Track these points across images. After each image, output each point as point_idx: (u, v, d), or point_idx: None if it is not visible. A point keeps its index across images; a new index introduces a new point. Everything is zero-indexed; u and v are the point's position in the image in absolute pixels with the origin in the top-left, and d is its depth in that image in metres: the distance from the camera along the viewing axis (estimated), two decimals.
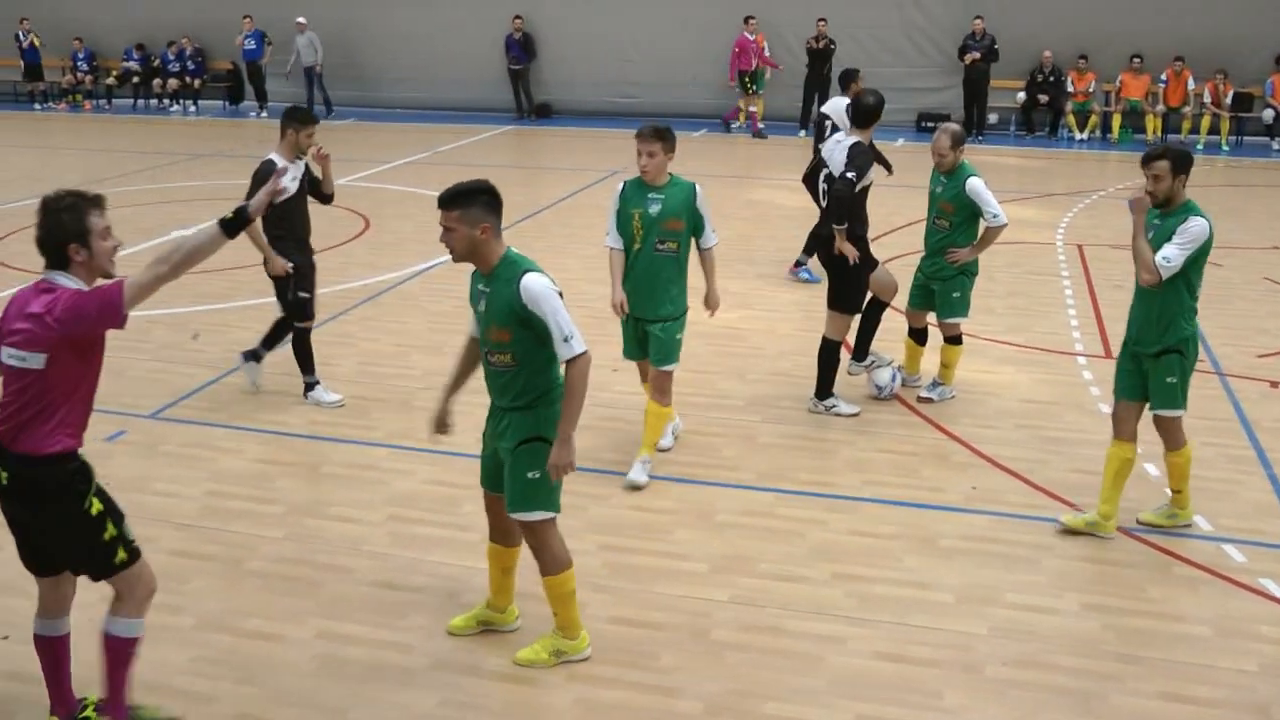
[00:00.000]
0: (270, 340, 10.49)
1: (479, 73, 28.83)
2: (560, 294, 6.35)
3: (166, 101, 30.86)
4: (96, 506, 5.52)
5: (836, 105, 13.55)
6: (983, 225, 10.00)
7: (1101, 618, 7.19)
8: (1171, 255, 7.66)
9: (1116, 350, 11.45)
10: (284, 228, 9.95)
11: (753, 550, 7.86)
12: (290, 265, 10.03)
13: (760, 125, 26.61)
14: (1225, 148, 25.31)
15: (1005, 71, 26.16)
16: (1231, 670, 6.71)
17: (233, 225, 5.57)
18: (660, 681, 6.48)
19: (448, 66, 29.04)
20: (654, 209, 8.84)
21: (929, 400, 10.35)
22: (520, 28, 27.93)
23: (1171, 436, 8.17)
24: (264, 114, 29.51)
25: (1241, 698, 6.48)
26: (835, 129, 13.04)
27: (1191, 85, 25.22)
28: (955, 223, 10.06)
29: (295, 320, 10.28)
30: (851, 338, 10.41)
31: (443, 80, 29.10)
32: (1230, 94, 25.30)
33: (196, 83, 30.68)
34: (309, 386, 10.43)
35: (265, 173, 9.61)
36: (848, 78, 14.04)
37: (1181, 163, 7.77)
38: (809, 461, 9.25)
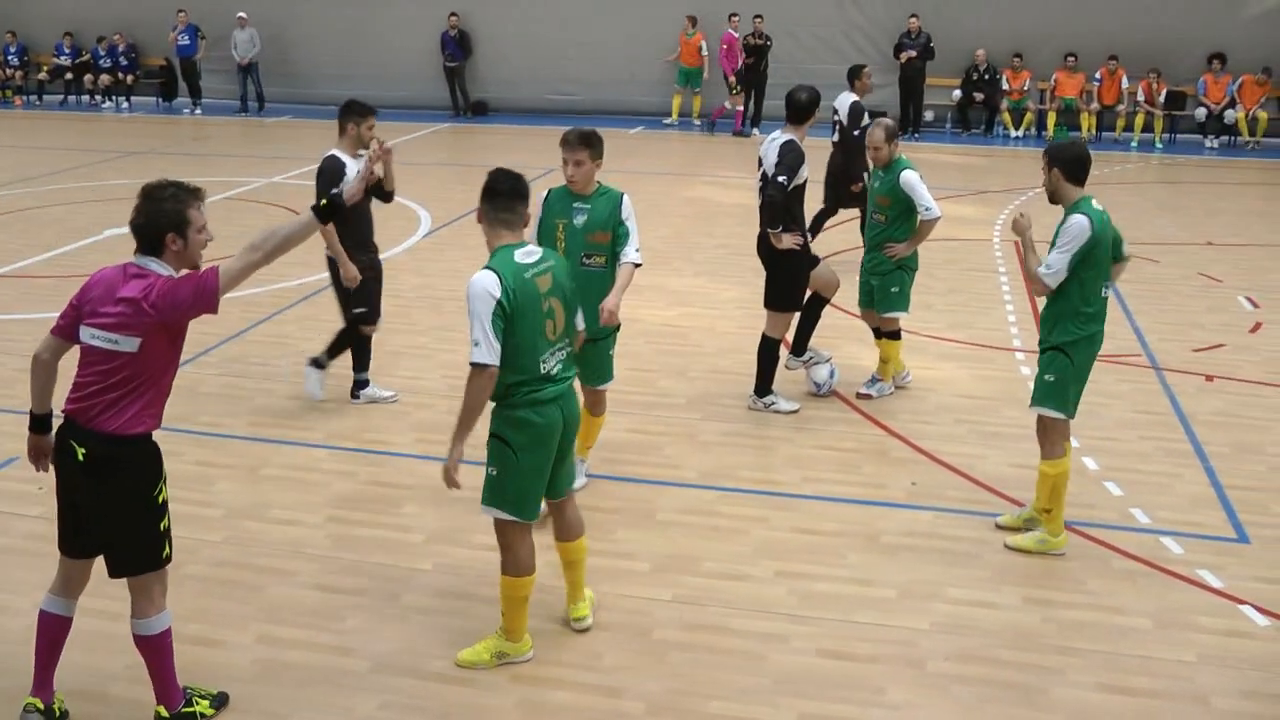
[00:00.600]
0: (335, 349, 10.22)
1: (415, 70, 28.64)
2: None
3: (99, 98, 30.43)
4: (164, 495, 5.70)
5: (843, 100, 14.37)
6: (919, 219, 10.04)
7: (1042, 611, 7.24)
8: (1053, 261, 7.55)
9: None
10: (345, 229, 9.44)
11: (695, 549, 7.85)
12: (358, 276, 9.67)
13: (742, 125, 26.67)
14: (1159, 145, 25.61)
15: (941, 69, 26.31)
16: (1171, 661, 6.79)
17: (326, 212, 5.74)
18: (604, 681, 6.46)
19: (383, 64, 28.80)
20: (579, 219, 8.19)
21: (868, 397, 10.37)
22: (456, 25, 27.78)
23: (1047, 440, 7.94)
24: (198, 110, 29.18)
25: (1181, 688, 6.55)
26: (841, 126, 14.24)
27: (1125, 84, 25.51)
28: (891, 217, 10.10)
29: (359, 327, 10.07)
30: (792, 335, 10.44)
31: (378, 77, 28.83)
32: (1164, 93, 25.62)
33: (129, 79, 30.22)
34: (360, 385, 10.24)
35: (333, 169, 9.44)
36: (853, 74, 14.64)
37: (1056, 158, 7.67)
38: (750, 459, 9.25)
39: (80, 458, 5.46)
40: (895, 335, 10.37)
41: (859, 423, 10.00)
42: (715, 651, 6.75)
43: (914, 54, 25.62)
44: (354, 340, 10.15)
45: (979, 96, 26.31)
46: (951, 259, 15.14)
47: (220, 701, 6.15)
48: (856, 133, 14.04)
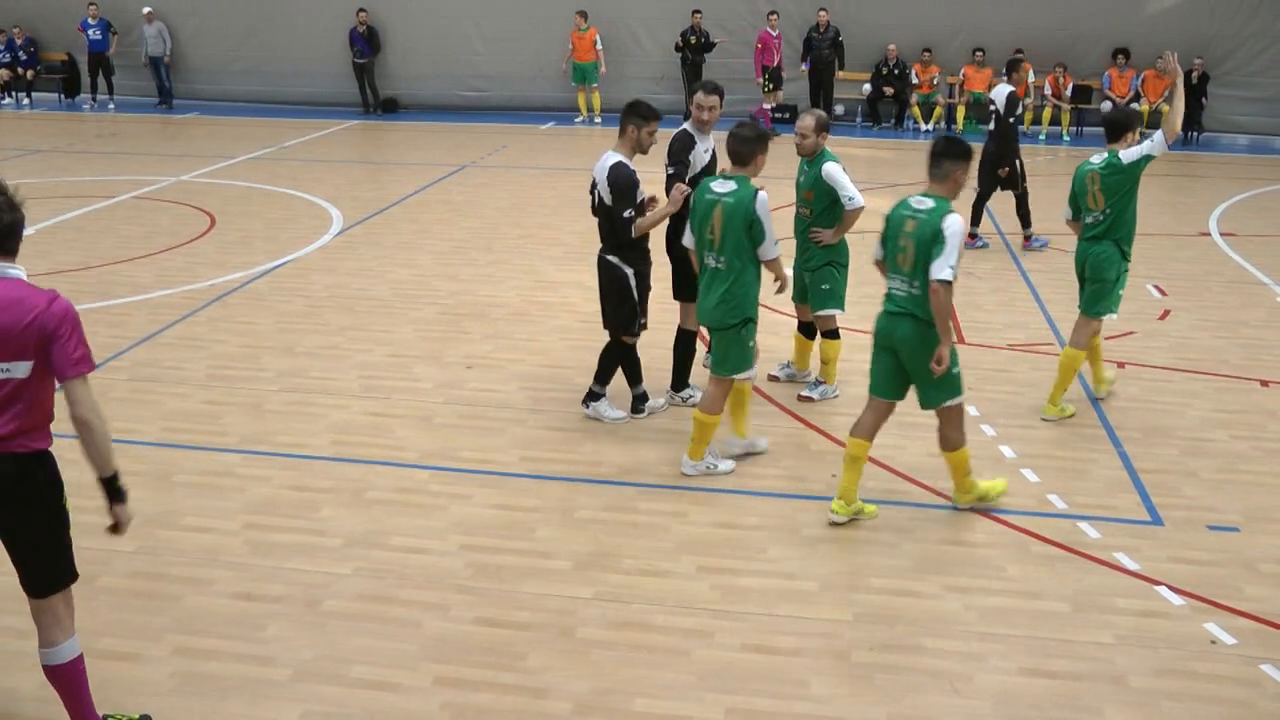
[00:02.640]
0: (606, 373, 9.94)
1: (323, 67, 28.34)
2: None
3: None
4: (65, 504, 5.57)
5: (1000, 91, 15.61)
6: (843, 210, 10.01)
7: (963, 598, 7.30)
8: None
9: (970, 336, 11.74)
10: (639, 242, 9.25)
11: (616, 546, 7.82)
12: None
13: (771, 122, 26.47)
14: (1067, 138, 26.02)
15: (851, 64, 26.52)
16: (1089, 643, 6.88)
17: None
18: (528, 682, 6.41)
19: (292, 60, 28.49)
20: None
21: (809, 399, 10.31)
22: (364, 21, 27.50)
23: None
24: (111, 106, 28.59)
25: (1099, 669, 6.65)
26: (997, 114, 15.47)
27: (1033, 78, 25.85)
28: (817, 210, 10.05)
29: (624, 337, 9.75)
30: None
31: (287, 74, 28.55)
32: (1070, 86, 26.04)
33: (29, 74, 29.57)
34: (595, 396, 9.91)
35: (629, 181, 9.21)
36: (1012, 66, 16.07)
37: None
38: (670, 454, 9.22)
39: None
40: (834, 335, 10.28)
41: (777, 416, 10.02)
42: (639, 649, 6.72)
43: (831, 60, 25.90)
44: (620, 352, 9.82)
45: (889, 91, 26.53)
46: (862, 251, 15.15)
47: None
48: (1012, 120, 15.49)
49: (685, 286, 9.74)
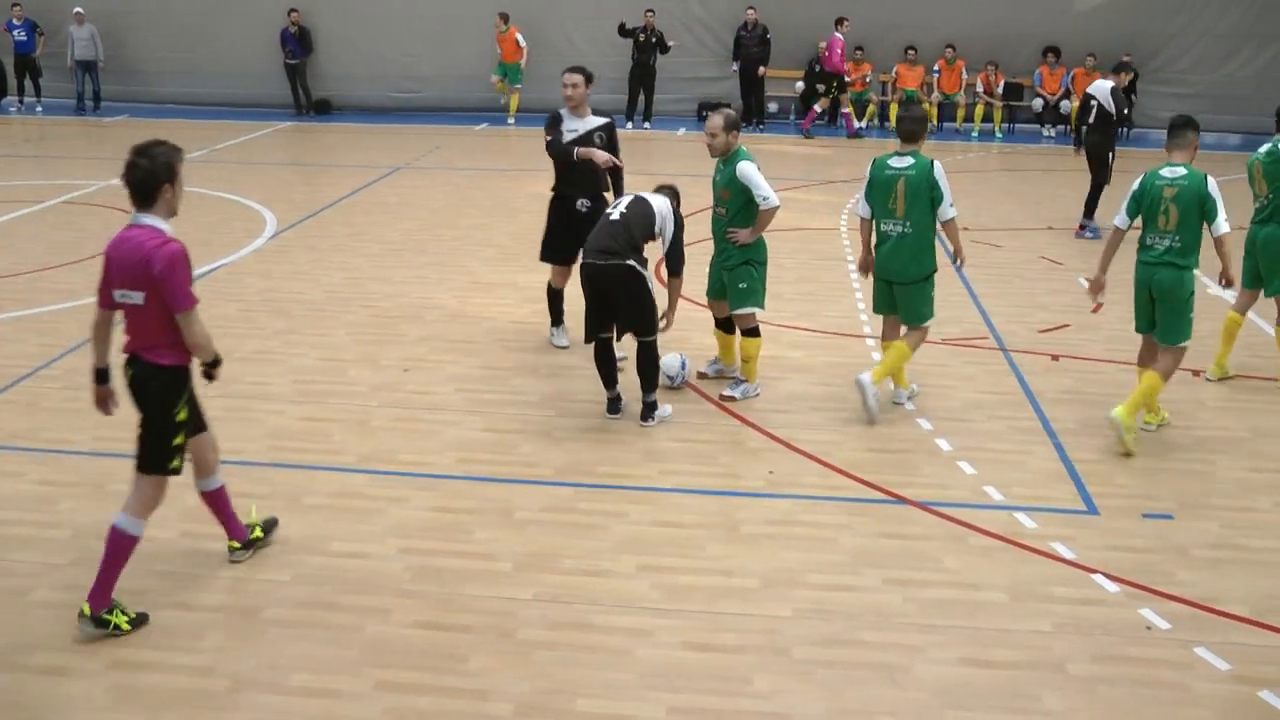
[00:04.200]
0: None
1: (255, 68, 27.96)
2: None
3: None
4: (183, 415, 6.81)
5: (1101, 87, 16.82)
6: (758, 209, 9.98)
7: (902, 591, 7.34)
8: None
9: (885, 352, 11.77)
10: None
11: (556, 546, 7.80)
12: None
13: (856, 124, 26.37)
14: (999, 135, 26.26)
15: (783, 62, 26.58)
16: (1028, 632, 6.96)
17: None
18: (470, 685, 6.38)
19: (223, 61, 28.07)
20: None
21: (732, 399, 10.29)
22: (296, 21, 27.19)
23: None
24: (39, 109, 28.09)
25: (1038, 657, 6.72)
26: (1101, 109, 16.52)
27: (965, 76, 26.11)
28: (733, 209, 10.00)
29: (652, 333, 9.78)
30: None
31: (218, 75, 28.16)
32: (1002, 84, 26.34)
33: None
34: (651, 407, 9.81)
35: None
36: (1118, 68, 17.60)
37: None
38: (607, 454, 9.23)
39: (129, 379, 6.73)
40: (754, 333, 10.28)
41: (715, 414, 10.03)
42: (580, 649, 6.71)
43: (764, 71, 26.01)
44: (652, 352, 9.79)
45: (821, 88, 26.62)
46: (800, 248, 15.30)
47: (139, 622, 6.81)
48: (1110, 111, 16.59)
49: (554, 248, 11.16)
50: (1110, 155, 16.80)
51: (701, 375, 10.72)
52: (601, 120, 11.12)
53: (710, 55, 27.40)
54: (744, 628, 6.93)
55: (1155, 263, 9.52)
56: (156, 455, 6.83)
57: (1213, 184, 9.37)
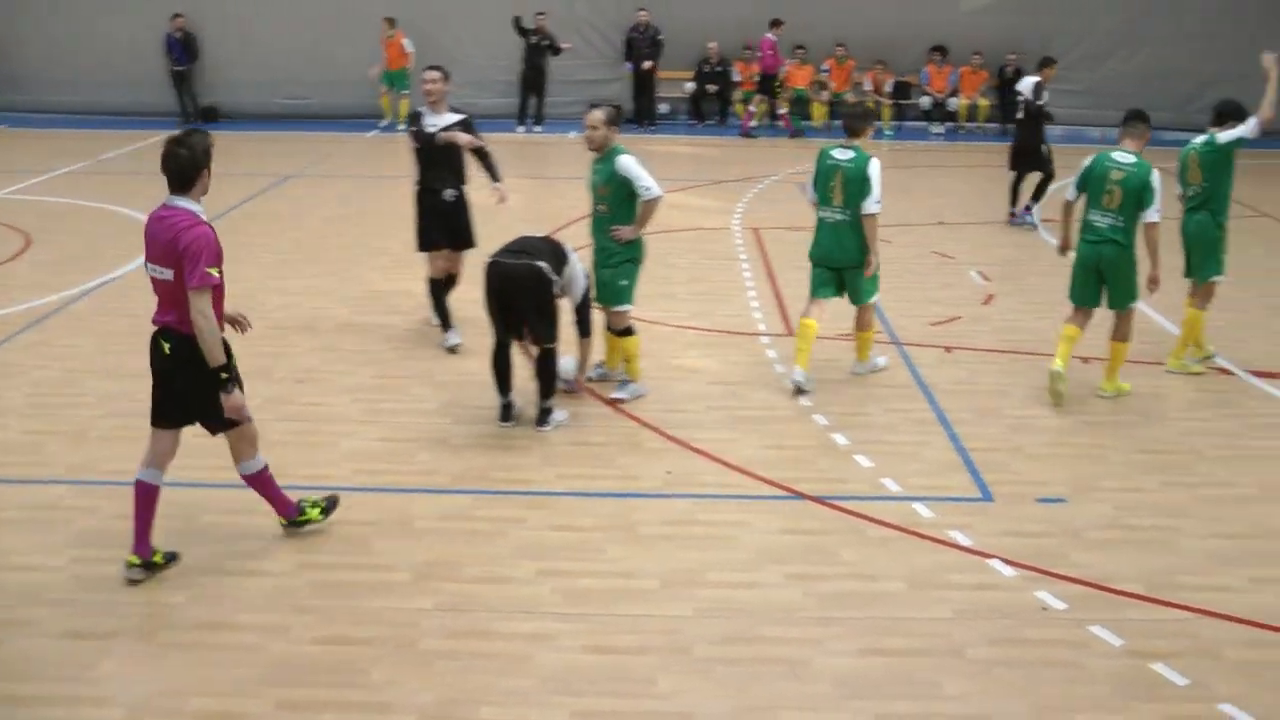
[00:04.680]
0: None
1: (139, 75, 27.16)
2: None
3: None
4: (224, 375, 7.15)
5: (1026, 83, 17.31)
6: (640, 201, 10.01)
7: (801, 586, 7.39)
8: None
9: (798, 329, 11.87)
10: None
11: (455, 554, 7.76)
12: None
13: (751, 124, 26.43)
14: (889, 133, 26.46)
15: (673, 62, 26.64)
16: (926, 619, 7.07)
17: None
18: (372, 698, 6.32)
19: (105, 68, 27.27)
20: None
21: (621, 400, 10.29)
22: (181, 27, 26.58)
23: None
24: None
25: (937, 644, 6.83)
26: (1026, 105, 17.03)
27: (854, 75, 26.41)
28: (613, 206, 9.98)
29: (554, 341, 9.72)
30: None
31: (100, 83, 27.33)
32: (890, 82, 26.59)
33: None
34: (546, 413, 9.79)
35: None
36: (1042, 63, 17.48)
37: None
38: (503, 460, 9.18)
39: (167, 351, 7.14)
40: (629, 331, 10.26)
41: (610, 416, 10.03)
42: (482, 656, 6.68)
43: (650, 65, 26.01)
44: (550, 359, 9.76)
45: (712, 88, 26.76)
46: (693, 248, 15.35)
47: (170, 557, 7.56)
48: (1039, 102, 17.02)
49: (429, 238, 11.60)
50: (1044, 147, 17.26)
51: (590, 380, 10.68)
52: (459, 117, 11.47)
53: (600, 57, 27.35)
54: (645, 629, 6.93)
55: (1100, 240, 10.26)
56: (222, 415, 7.29)
57: (1157, 176, 10.09)
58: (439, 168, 11.46)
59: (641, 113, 26.26)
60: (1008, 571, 7.59)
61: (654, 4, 26.28)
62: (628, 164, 9.88)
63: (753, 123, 26.29)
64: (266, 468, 7.74)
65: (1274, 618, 7.18)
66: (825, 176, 10.54)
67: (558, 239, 10.01)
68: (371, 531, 8.06)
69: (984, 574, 7.58)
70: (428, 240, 11.65)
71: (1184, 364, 11.28)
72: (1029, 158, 17.29)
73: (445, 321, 11.64)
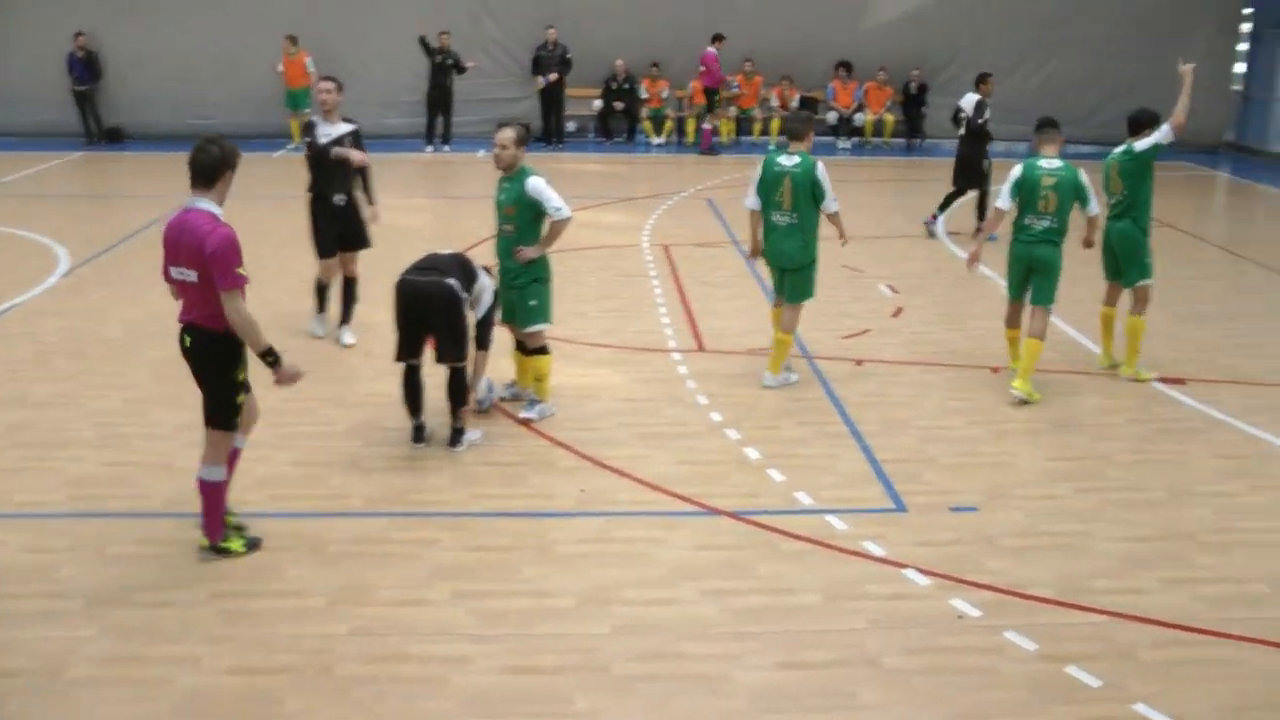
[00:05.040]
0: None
1: (41, 95, 26.66)
2: None
3: None
4: (242, 376, 7.74)
5: (969, 100, 17.61)
6: (547, 222, 9.98)
7: (718, 601, 7.41)
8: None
9: (709, 344, 11.96)
10: None
11: (370, 578, 7.69)
12: None
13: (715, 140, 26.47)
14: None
15: (581, 80, 26.69)
16: (842, 630, 7.11)
17: None
18: None
19: (6, 89, 26.68)
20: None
21: (530, 420, 10.26)
22: (83, 45, 26.13)
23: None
24: None
25: (853, 654, 6.89)
26: (968, 120, 17.42)
27: (761, 90, 26.62)
28: (520, 225, 9.95)
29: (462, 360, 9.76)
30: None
31: (1, 104, 26.95)
32: (796, 98, 26.81)
33: None
34: (459, 432, 9.78)
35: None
36: (980, 79, 17.81)
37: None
38: (417, 482, 9.12)
39: (188, 344, 7.63)
40: (543, 351, 10.25)
41: (523, 435, 10.00)
42: (399, 680, 6.62)
43: (555, 76, 25.92)
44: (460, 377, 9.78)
45: (619, 106, 26.83)
46: (603, 265, 15.37)
47: (253, 545, 8.04)
48: (980, 121, 17.41)
49: (324, 244, 12.16)
50: (986, 163, 17.54)
51: (501, 400, 10.65)
52: (351, 126, 12.02)
53: (508, 76, 27.34)
54: (562, 648, 6.92)
55: (1035, 241, 10.94)
56: (222, 413, 7.75)
57: (1084, 175, 10.97)
58: (330, 176, 11.99)
59: (550, 130, 26.28)
60: (922, 581, 7.67)
61: (562, 22, 26.30)
62: (538, 185, 9.86)
63: (717, 138, 26.61)
64: (225, 485, 7.91)
65: (1185, 618, 7.34)
66: (773, 183, 10.97)
67: (466, 255, 9.98)
68: (285, 558, 7.97)
69: (899, 584, 7.65)
70: (327, 248, 12.24)
71: (1137, 371, 11.55)
72: (970, 173, 17.60)
73: (321, 308, 12.59)
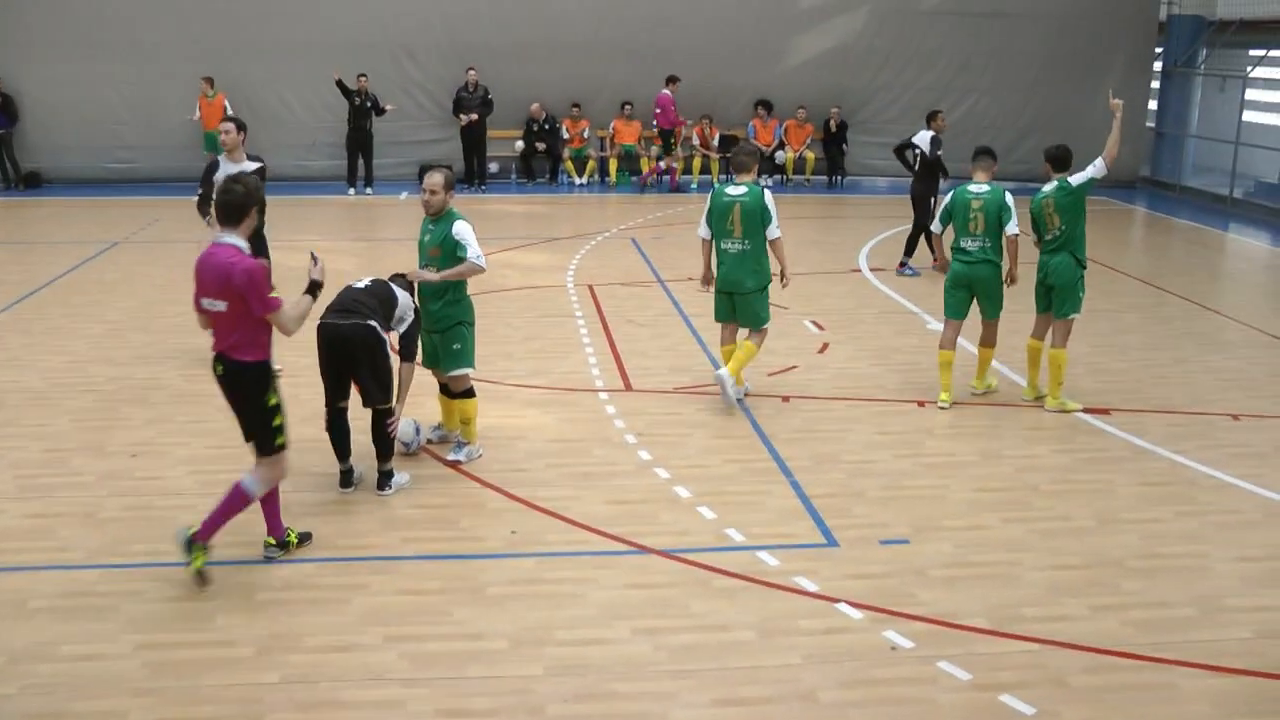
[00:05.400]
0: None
1: None
2: None
3: None
4: (274, 400, 8.07)
5: (923, 136, 17.89)
6: (464, 262, 9.86)
7: (651, 640, 7.39)
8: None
9: (636, 383, 11.98)
10: None
11: (299, 625, 7.58)
12: None
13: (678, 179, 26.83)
14: (718, 186, 26.76)
15: (502, 121, 26.67)
16: (777, 666, 7.11)
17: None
18: None
19: None
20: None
21: (458, 462, 10.21)
22: None
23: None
24: None
25: (789, 689, 6.88)
26: (922, 155, 17.87)
27: (682, 130, 26.80)
28: (443, 267, 9.88)
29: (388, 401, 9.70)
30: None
31: None
32: (717, 136, 26.95)
33: None
34: (388, 476, 9.73)
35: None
36: (930, 116, 18.36)
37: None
38: (346, 526, 9.02)
39: (220, 372, 8.02)
40: (470, 394, 10.20)
41: (453, 478, 9.93)
42: None
43: (475, 117, 25.86)
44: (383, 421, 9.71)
45: (541, 146, 26.85)
46: (528, 306, 15.34)
47: (305, 539, 8.68)
48: (930, 158, 17.84)
49: None
50: (932, 200, 17.78)
51: (429, 442, 10.60)
52: (255, 165, 12.51)
53: (429, 117, 27.22)
54: (495, 690, 6.86)
55: (975, 261, 11.69)
56: (265, 439, 8.10)
57: (1009, 196, 11.68)
58: None
59: (472, 172, 26.22)
60: (855, 614, 7.69)
61: (482, 63, 26.29)
62: (464, 230, 9.86)
63: (684, 177, 27.08)
64: (248, 503, 8.23)
65: (1115, 643, 7.43)
66: (723, 212, 11.53)
67: (383, 280, 9.92)
68: (213, 607, 7.84)
69: (832, 618, 7.66)
70: None
71: (1062, 402, 11.69)
72: (921, 207, 17.95)
73: None
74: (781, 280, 11.76)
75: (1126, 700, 6.84)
